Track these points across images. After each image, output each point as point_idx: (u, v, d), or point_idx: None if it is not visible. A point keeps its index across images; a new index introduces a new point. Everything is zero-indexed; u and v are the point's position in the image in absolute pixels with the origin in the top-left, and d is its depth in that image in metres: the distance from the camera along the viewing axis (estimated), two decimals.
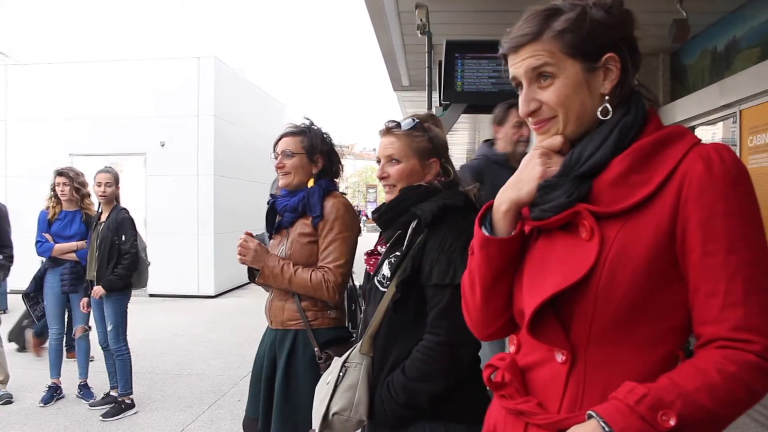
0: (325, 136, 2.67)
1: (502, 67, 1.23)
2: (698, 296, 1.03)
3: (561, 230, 1.14)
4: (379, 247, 1.99)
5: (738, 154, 6.01)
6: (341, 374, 1.85)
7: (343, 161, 2.83)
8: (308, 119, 2.70)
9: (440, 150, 1.95)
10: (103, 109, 10.65)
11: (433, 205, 1.79)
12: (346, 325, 2.61)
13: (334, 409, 1.81)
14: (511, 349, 1.22)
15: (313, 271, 2.46)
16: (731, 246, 1.00)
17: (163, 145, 10.59)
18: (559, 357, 1.11)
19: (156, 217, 10.58)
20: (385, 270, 1.86)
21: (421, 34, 6.46)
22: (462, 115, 5.59)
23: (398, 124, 1.95)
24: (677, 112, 6.53)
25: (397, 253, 1.84)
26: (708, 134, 6.44)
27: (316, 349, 2.41)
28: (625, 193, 1.08)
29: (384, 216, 1.93)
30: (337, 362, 1.91)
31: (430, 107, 6.91)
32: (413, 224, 1.83)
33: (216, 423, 4.57)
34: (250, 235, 2.58)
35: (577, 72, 1.14)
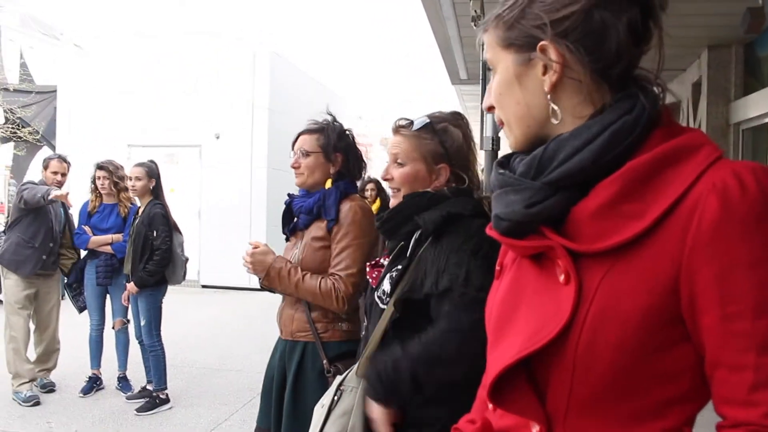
0: (346, 133, 2.49)
1: None
2: (719, 370, 0.79)
3: (534, 259, 0.92)
4: (382, 259, 1.81)
5: None
6: (336, 398, 1.68)
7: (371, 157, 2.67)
8: (331, 115, 2.54)
9: (453, 156, 1.74)
10: (160, 102, 10.81)
11: (436, 214, 1.60)
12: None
13: None
14: (489, 406, 1.01)
15: (323, 278, 2.29)
16: (760, 306, 0.75)
17: (218, 138, 10.68)
18: (534, 428, 0.89)
19: (210, 209, 10.68)
20: (386, 285, 1.68)
21: (475, 25, 6.22)
22: None
23: (410, 123, 1.76)
24: (751, 107, 6.08)
25: (399, 267, 1.66)
26: None
27: (324, 362, 2.25)
28: (613, 226, 0.83)
29: (386, 224, 1.75)
30: (334, 383, 1.75)
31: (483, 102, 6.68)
32: (416, 235, 1.65)
33: (248, 422, 4.48)
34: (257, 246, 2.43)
35: (508, 66, 0.94)
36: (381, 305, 1.67)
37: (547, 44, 0.89)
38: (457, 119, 1.82)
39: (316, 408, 1.80)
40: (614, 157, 0.85)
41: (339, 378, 1.73)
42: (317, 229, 2.39)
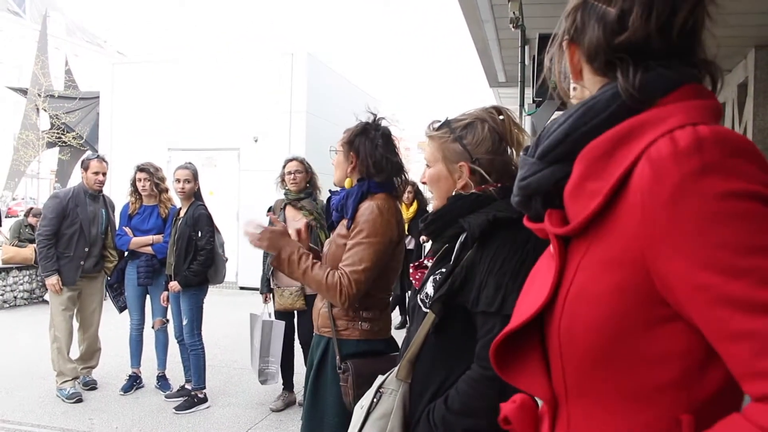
0: (376, 130, 2.45)
1: None
2: (720, 345, 0.72)
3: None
4: (426, 261, 1.78)
5: None
6: (375, 400, 1.66)
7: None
8: (372, 114, 2.52)
9: (474, 152, 1.67)
10: (199, 106, 10.97)
11: (482, 218, 1.55)
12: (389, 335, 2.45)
13: None
14: None
15: (331, 270, 2.26)
16: (732, 270, 0.69)
17: (256, 141, 10.78)
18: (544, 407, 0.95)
19: (248, 211, 10.76)
20: (429, 288, 1.64)
21: (514, 27, 6.15)
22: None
23: (437, 124, 1.76)
24: None
25: (443, 270, 1.63)
26: None
27: (337, 358, 2.28)
28: (582, 206, 0.84)
29: (430, 226, 1.72)
30: (375, 384, 1.73)
31: (522, 104, 6.60)
32: (461, 238, 1.61)
33: (285, 422, 4.51)
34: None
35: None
36: (424, 309, 1.64)
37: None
38: (488, 113, 1.73)
39: (355, 409, 1.78)
40: (585, 134, 0.85)
41: (380, 379, 1.71)
42: (341, 226, 2.42)
